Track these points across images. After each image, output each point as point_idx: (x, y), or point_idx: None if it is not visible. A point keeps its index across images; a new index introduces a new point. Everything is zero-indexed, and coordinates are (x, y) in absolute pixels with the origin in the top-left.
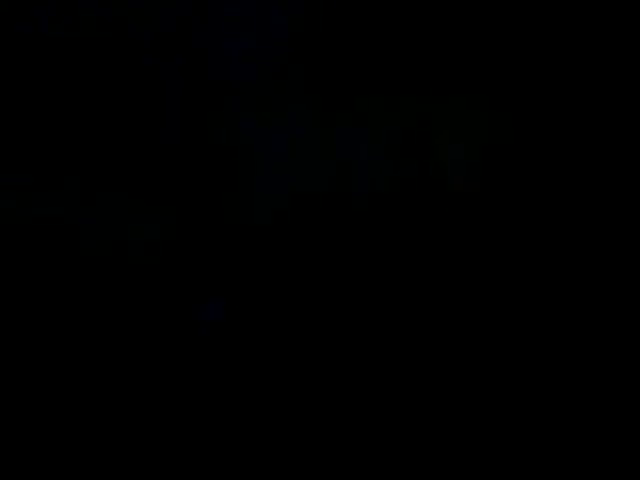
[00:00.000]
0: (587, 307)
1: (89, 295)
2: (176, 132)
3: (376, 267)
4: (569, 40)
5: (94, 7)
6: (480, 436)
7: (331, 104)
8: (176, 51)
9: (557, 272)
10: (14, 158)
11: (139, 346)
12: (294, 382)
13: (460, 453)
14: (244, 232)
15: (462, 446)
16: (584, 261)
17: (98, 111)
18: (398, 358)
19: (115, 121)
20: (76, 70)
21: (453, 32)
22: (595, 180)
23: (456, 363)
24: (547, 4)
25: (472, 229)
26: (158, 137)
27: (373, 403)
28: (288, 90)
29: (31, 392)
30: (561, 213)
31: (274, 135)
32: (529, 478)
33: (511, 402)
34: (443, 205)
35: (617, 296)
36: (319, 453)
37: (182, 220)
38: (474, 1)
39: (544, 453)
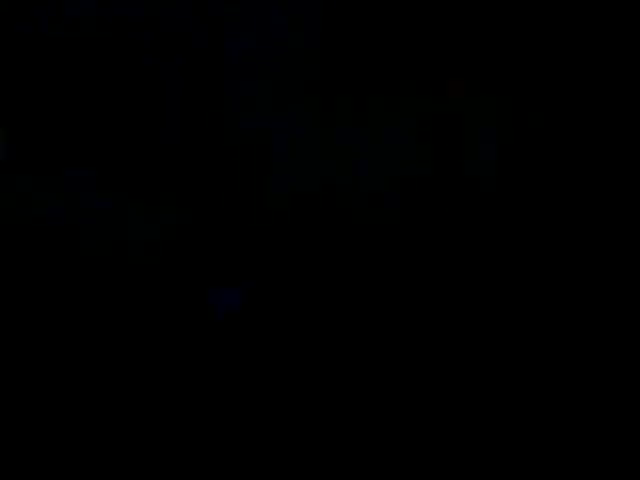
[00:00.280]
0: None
1: (113, 280)
2: (176, 132)
3: (381, 260)
4: (594, 48)
5: (94, 7)
6: (480, 435)
7: (357, 105)
8: (176, 51)
9: (581, 270)
10: (14, 158)
11: (156, 332)
12: (302, 370)
13: (460, 451)
14: (263, 221)
15: (462, 444)
16: (602, 259)
17: (98, 111)
18: (412, 350)
19: (115, 121)
20: (76, 70)
21: (481, 34)
22: (617, 185)
23: (475, 343)
24: (575, 16)
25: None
26: (158, 137)
27: (375, 391)
28: (294, 90)
29: (41, 380)
30: (586, 213)
31: (289, 131)
32: (529, 478)
33: (511, 402)
34: (464, 202)
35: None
36: (324, 441)
37: (197, 212)
38: (502, 8)
39: (544, 453)
